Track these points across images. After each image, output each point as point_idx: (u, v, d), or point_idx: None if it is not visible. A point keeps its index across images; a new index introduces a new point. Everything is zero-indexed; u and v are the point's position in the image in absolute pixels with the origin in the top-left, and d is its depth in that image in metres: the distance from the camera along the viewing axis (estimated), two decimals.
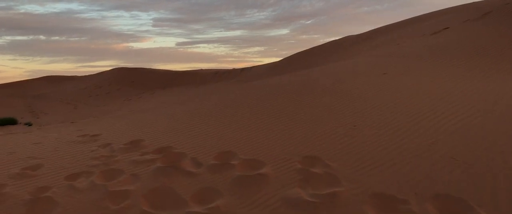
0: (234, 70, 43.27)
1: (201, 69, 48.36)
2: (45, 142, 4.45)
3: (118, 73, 47.87)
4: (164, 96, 30.81)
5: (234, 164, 3.33)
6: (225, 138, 3.92)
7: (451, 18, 11.06)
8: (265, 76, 22.32)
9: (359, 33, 21.56)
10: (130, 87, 43.30)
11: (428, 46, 8.02)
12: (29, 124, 28.88)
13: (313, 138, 3.73)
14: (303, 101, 5.02)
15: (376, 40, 13.91)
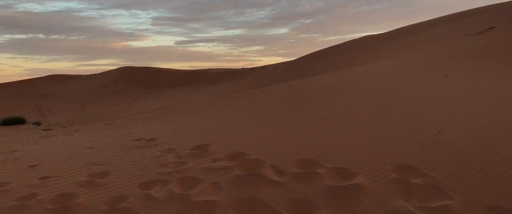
0: (243, 69, 43.10)
1: (210, 69, 48.23)
2: (99, 146, 4.29)
3: (125, 72, 47.86)
4: (184, 95, 30.67)
5: (321, 172, 3.16)
6: (300, 144, 3.74)
7: (494, 18, 10.82)
8: (284, 76, 22.09)
9: (378, 33, 21.34)
10: (137, 87, 43.26)
11: (477, 46, 7.81)
12: (38, 123, 28.90)
13: (398, 144, 3.55)
14: (366, 103, 4.84)
15: (405, 40, 13.68)
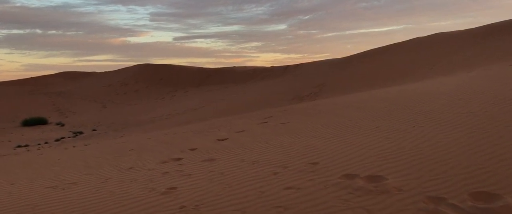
0: (273, 68, 42.15)
1: (234, 67, 47.47)
2: (299, 186, 3.18)
3: (143, 70, 47.09)
4: (213, 94, 29.51)
5: None
6: None
7: None
8: (340, 75, 20.94)
9: (448, 31, 20.06)
10: (159, 85, 42.50)
11: None
12: (62, 124, 28.09)
13: None
14: None
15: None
